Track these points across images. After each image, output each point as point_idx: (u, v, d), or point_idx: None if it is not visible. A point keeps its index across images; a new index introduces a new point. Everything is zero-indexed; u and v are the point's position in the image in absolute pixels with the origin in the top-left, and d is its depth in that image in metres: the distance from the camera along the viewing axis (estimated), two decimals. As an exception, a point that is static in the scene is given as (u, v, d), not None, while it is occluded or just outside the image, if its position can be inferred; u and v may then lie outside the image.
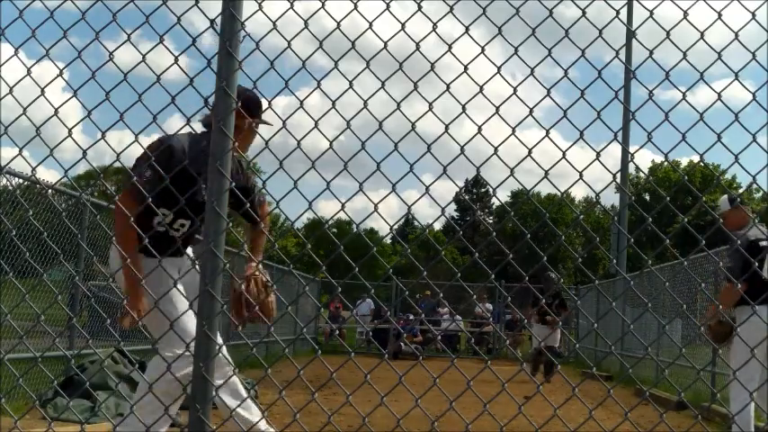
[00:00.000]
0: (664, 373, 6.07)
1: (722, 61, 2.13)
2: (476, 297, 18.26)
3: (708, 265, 9.82)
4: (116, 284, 3.63)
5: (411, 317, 18.58)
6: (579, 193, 54.99)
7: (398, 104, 2.27)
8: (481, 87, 2.23)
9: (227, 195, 2.32)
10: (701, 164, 2.40)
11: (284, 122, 2.36)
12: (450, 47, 2.25)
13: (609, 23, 2.23)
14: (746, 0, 2.16)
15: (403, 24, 2.29)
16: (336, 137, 2.39)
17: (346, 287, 17.64)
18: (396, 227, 2.39)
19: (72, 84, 3.38)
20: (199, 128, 3.64)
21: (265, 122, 3.69)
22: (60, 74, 2.63)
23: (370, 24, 2.27)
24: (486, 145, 2.18)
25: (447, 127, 2.23)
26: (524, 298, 20.05)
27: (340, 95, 2.32)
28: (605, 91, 2.26)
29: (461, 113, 2.25)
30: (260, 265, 3.72)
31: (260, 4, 2.35)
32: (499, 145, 2.20)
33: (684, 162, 41.92)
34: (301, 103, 2.36)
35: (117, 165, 2.94)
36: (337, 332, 19.80)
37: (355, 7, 2.32)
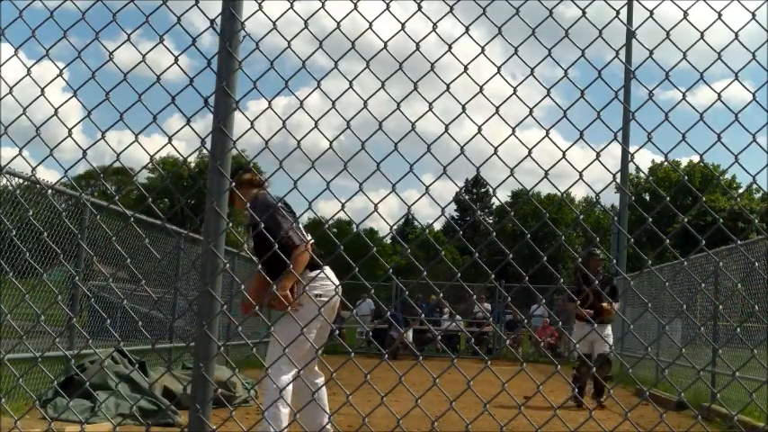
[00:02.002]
0: (664, 373, 6.06)
1: (722, 61, 2.13)
2: (475, 297, 18.28)
3: (708, 265, 9.82)
4: None
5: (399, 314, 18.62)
6: (579, 193, 55.01)
7: (398, 104, 2.27)
8: (481, 87, 2.23)
9: (226, 195, 2.32)
10: (701, 164, 2.40)
11: (284, 122, 2.36)
12: (450, 47, 2.25)
13: (609, 23, 2.23)
14: (746, 0, 2.16)
15: (403, 24, 2.29)
16: (336, 137, 2.39)
17: (346, 287, 17.64)
18: (396, 227, 2.39)
19: (72, 84, 3.38)
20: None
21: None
22: (60, 74, 2.63)
23: (370, 24, 2.27)
24: (486, 145, 2.18)
25: (447, 127, 2.23)
26: (525, 298, 20.05)
27: (340, 95, 2.32)
28: (605, 91, 2.27)
29: (461, 113, 2.25)
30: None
31: (260, 4, 2.35)
32: (499, 145, 2.20)
33: (684, 162, 41.95)
34: (301, 103, 2.36)
35: (117, 165, 2.94)
36: (337, 332, 19.79)
37: (355, 7, 2.32)
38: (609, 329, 8.84)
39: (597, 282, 8.37)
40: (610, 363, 8.61)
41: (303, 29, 2.30)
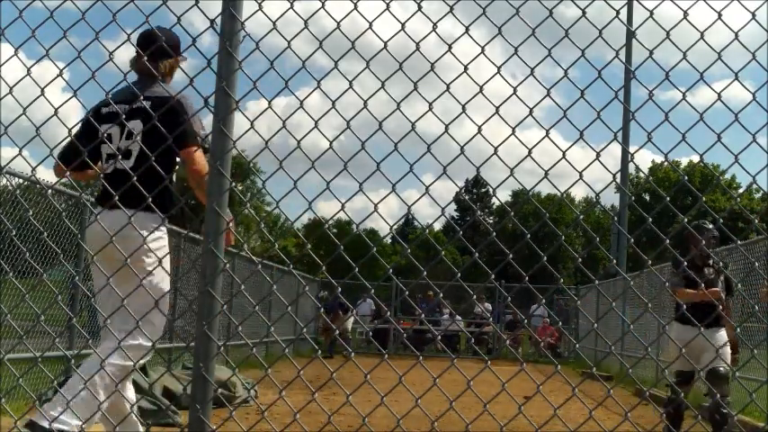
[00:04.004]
0: (664, 373, 6.04)
1: (722, 61, 2.13)
2: (475, 297, 18.30)
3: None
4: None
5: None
6: (579, 193, 55.00)
7: (398, 104, 2.27)
8: (481, 87, 2.23)
9: (227, 196, 2.32)
10: (701, 164, 2.40)
11: (284, 122, 2.36)
12: (450, 47, 2.25)
13: (609, 23, 2.23)
14: (746, 0, 2.16)
15: (403, 24, 2.29)
16: (336, 137, 2.39)
17: (346, 287, 17.65)
18: (396, 227, 2.40)
19: (72, 84, 3.37)
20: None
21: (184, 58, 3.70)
22: (60, 74, 2.63)
23: (370, 24, 2.27)
24: (486, 145, 2.18)
25: (447, 127, 2.23)
26: (525, 298, 20.01)
27: (340, 95, 2.32)
28: (605, 91, 2.27)
29: (461, 113, 2.25)
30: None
31: (260, 4, 2.35)
32: (499, 145, 2.20)
33: (684, 162, 41.98)
34: (301, 103, 2.36)
35: (117, 165, 2.93)
36: (337, 333, 19.79)
37: (355, 7, 2.32)
38: (723, 334, 5.88)
39: (709, 266, 6.02)
40: (728, 383, 5.62)
41: (303, 29, 2.30)
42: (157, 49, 3.21)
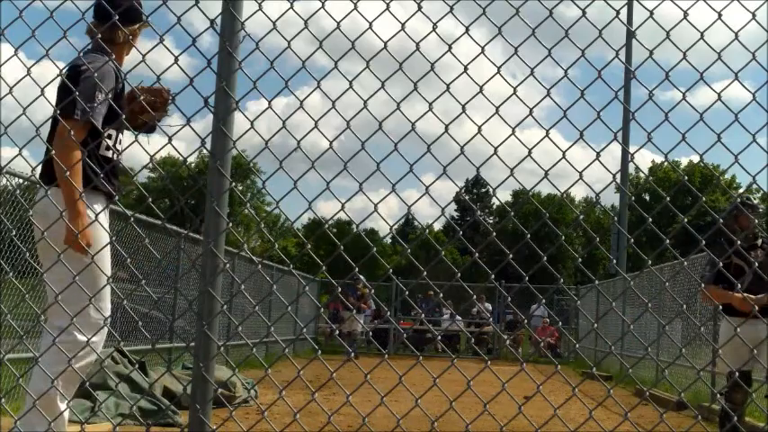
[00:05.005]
0: (664, 373, 6.03)
1: (722, 61, 2.13)
2: (475, 297, 18.30)
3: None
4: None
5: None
6: (579, 193, 55.02)
7: (398, 104, 2.27)
8: (481, 87, 2.23)
9: (227, 195, 2.32)
10: (701, 164, 2.40)
11: (284, 122, 2.36)
12: (450, 47, 2.25)
13: (609, 23, 2.23)
14: (746, 0, 2.16)
15: (403, 24, 2.29)
16: (336, 137, 2.39)
17: (347, 287, 17.63)
18: (396, 227, 2.41)
19: (72, 84, 3.35)
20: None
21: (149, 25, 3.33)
22: (60, 74, 2.63)
23: (370, 24, 2.27)
24: (486, 145, 2.18)
25: (447, 127, 2.23)
26: (525, 298, 19.99)
27: (340, 95, 2.32)
28: (605, 91, 2.27)
29: (461, 113, 2.25)
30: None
31: (260, 4, 2.35)
32: (499, 145, 2.20)
33: (684, 162, 42.00)
34: (301, 103, 2.36)
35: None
36: (337, 333, 19.79)
37: (355, 7, 2.32)
38: None
39: (757, 248, 5.07)
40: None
41: (303, 29, 2.30)
42: (111, 15, 2.85)
